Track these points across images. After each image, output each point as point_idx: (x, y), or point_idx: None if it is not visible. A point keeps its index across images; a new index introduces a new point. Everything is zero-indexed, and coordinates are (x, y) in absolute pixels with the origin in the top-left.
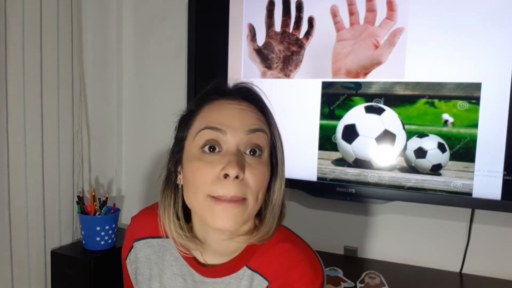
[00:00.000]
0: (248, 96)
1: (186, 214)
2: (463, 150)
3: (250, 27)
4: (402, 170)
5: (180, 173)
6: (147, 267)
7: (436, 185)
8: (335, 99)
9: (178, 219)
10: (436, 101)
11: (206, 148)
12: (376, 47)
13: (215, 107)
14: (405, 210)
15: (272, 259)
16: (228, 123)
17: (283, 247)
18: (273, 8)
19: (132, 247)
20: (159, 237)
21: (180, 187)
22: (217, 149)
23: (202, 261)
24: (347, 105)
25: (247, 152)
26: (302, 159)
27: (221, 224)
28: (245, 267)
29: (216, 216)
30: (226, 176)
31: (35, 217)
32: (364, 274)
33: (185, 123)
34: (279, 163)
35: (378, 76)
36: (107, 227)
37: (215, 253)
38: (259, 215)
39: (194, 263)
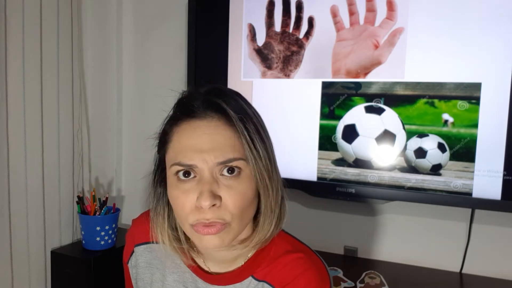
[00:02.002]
0: (218, 110)
1: None
2: (463, 150)
3: (250, 27)
4: (402, 170)
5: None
6: (148, 271)
7: (436, 185)
8: (335, 99)
9: (174, 229)
10: (436, 101)
11: (181, 175)
12: (376, 47)
13: (183, 134)
14: (405, 210)
15: (279, 268)
16: (197, 155)
17: (291, 257)
18: (273, 8)
19: (133, 251)
20: None
21: None
22: (192, 175)
23: (205, 268)
24: (347, 105)
25: (225, 173)
26: (302, 159)
27: (210, 245)
28: (250, 278)
29: (202, 241)
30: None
31: (35, 217)
32: (364, 274)
33: (162, 145)
34: (259, 177)
35: (378, 76)
36: (107, 227)
37: (217, 261)
38: (256, 218)
39: (198, 269)
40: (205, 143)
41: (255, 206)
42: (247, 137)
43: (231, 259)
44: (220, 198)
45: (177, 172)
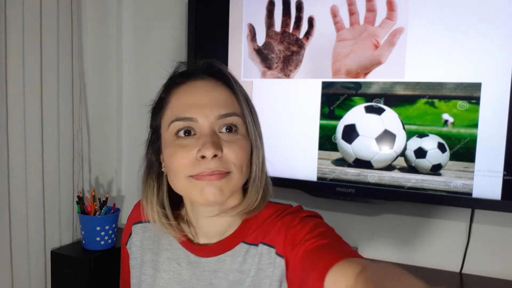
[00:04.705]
0: (212, 72)
1: (177, 201)
2: (463, 150)
3: (250, 27)
4: (402, 170)
5: (163, 160)
6: (140, 252)
7: (436, 185)
8: (335, 99)
9: (163, 207)
10: (436, 101)
11: (181, 133)
12: (376, 47)
13: (182, 94)
14: (405, 210)
15: (268, 229)
16: (197, 110)
17: (279, 218)
18: (273, 8)
19: (131, 232)
20: None
21: (164, 175)
22: (192, 133)
23: (196, 242)
24: (347, 105)
25: (223, 130)
26: (302, 159)
27: (209, 197)
28: (242, 243)
29: (202, 191)
30: (203, 157)
31: (35, 217)
32: None
33: (157, 111)
34: (253, 137)
35: (378, 76)
36: (107, 227)
37: (207, 235)
38: (245, 190)
39: (188, 244)
40: (204, 98)
41: (249, 170)
42: (243, 97)
43: (221, 230)
44: (221, 150)
45: (177, 131)
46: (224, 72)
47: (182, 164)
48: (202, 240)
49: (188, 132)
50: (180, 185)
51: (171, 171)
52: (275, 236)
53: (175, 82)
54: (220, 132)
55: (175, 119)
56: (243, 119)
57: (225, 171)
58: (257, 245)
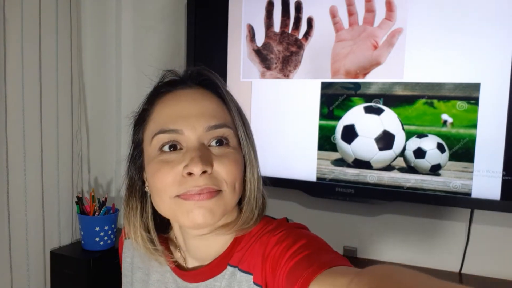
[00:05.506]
0: (201, 81)
1: (164, 223)
2: (462, 150)
3: (249, 27)
4: (402, 170)
5: (146, 179)
6: (130, 270)
7: (435, 185)
8: (334, 100)
9: (147, 231)
10: (435, 101)
11: (166, 148)
12: (375, 47)
13: (167, 104)
14: (404, 210)
15: (249, 251)
16: (183, 121)
17: (256, 239)
18: (272, 9)
19: (124, 245)
20: None
21: (148, 195)
22: (178, 147)
23: (185, 266)
24: (346, 106)
25: (213, 143)
26: (302, 160)
27: (197, 219)
28: (228, 267)
29: (190, 213)
30: (190, 174)
31: (34, 217)
32: None
33: (140, 124)
34: (246, 151)
35: (377, 77)
36: (106, 228)
37: (197, 258)
38: (239, 207)
39: (177, 269)
40: (191, 108)
41: (242, 188)
42: (235, 108)
43: (211, 252)
44: (211, 165)
45: (162, 146)
46: (214, 80)
47: (166, 183)
48: (191, 263)
49: (174, 147)
50: (164, 207)
51: (154, 190)
52: (253, 261)
53: (159, 91)
54: (209, 146)
55: (158, 131)
56: (235, 132)
57: (215, 188)
58: (239, 269)
